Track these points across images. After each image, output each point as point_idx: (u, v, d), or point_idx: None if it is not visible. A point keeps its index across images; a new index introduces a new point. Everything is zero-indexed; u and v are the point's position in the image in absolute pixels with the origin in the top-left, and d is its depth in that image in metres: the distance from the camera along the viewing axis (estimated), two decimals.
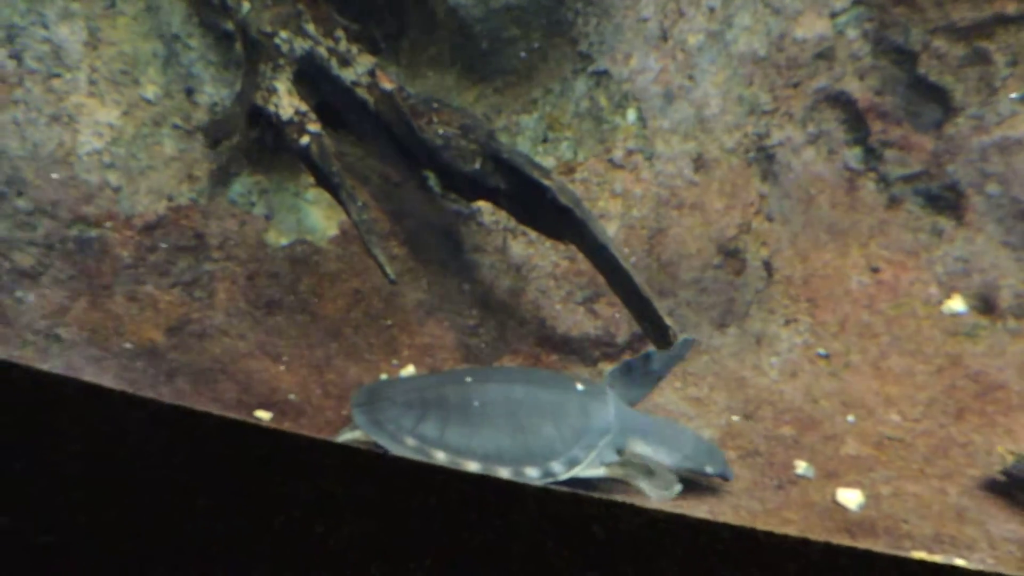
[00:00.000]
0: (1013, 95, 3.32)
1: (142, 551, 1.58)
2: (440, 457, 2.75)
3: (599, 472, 2.81)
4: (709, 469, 2.84)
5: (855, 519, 2.89)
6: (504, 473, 2.74)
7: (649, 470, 2.80)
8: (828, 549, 1.84)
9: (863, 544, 2.83)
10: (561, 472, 2.75)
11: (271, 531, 1.66)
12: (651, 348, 3.06)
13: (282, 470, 1.86)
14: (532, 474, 2.75)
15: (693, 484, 2.90)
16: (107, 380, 3.13)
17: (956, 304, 3.36)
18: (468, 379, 2.88)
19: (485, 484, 1.95)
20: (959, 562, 2.69)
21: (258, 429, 2.01)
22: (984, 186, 3.36)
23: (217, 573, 1.60)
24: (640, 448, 2.85)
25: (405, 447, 2.77)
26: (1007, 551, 2.74)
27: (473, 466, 2.73)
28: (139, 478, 1.77)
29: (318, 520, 1.78)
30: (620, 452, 2.84)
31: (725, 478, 2.87)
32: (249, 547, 1.62)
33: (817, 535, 2.92)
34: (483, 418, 2.77)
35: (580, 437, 2.76)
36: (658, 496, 2.81)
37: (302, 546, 1.63)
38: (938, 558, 2.71)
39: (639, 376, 2.99)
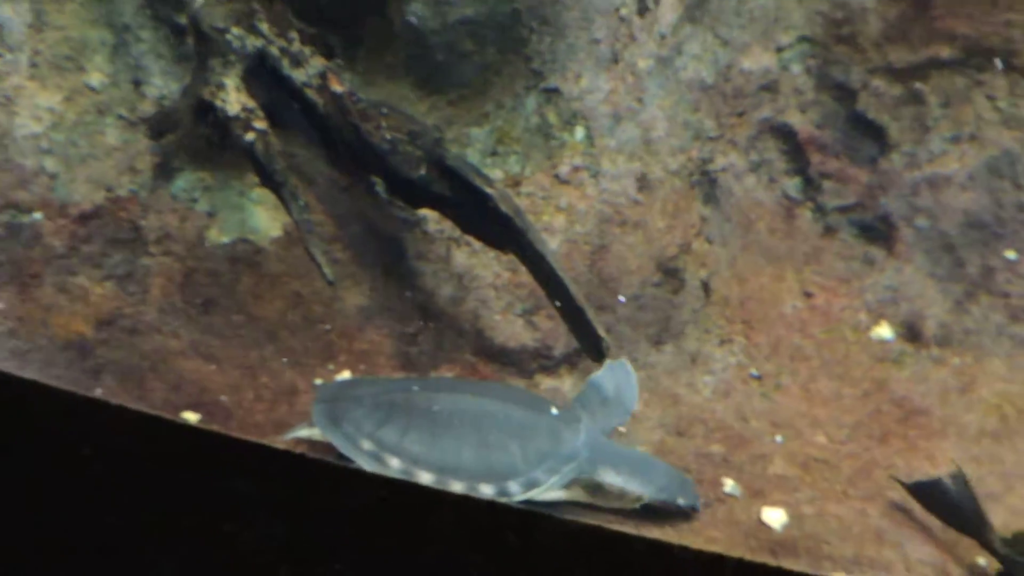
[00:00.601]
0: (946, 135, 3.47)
1: (46, 548, 1.54)
2: (394, 464, 2.67)
3: (558, 495, 2.75)
4: (681, 501, 2.82)
5: (778, 538, 2.94)
6: (457, 487, 2.66)
7: (601, 488, 2.76)
8: (741, 565, 1.87)
9: (785, 564, 2.88)
10: (517, 492, 2.67)
11: (179, 530, 1.63)
12: (595, 376, 3.04)
13: (193, 468, 1.82)
14: (486, 491, 2.67)
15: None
16: (30, 374, 3.05)
17: (884, 331, 3.47)
18: (443, 388, 2.84)
19: (403, 489, 1.94)
20: None
21: (171, 425, 1.98)
22: (914, 219, 3.50)
23: (122, 572, 1.57)
24: (611, 478, 2.78)
25: (359, 451, 2.68)
26: (922, 574, 2.82)
27: (426, 477, 2.67)
28: (41, 471, 1.72)
29: (227, 520, 1.75)
30: (585, 480, 2.79)
31: (695, 509, 2.84)
32: (155, 546, 1.59)
33: (741, 553, 2.97)
34: (448, 429, 2.70)
35: (544, 460, 2.70)
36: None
37: (210, 546, 1.61)
38: None
39: (600, 406, 2.95)
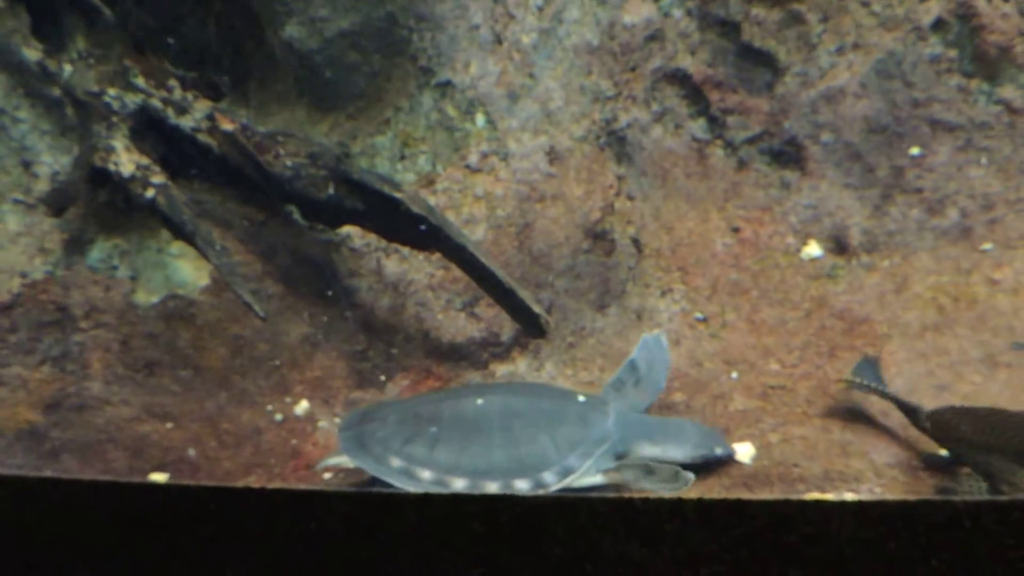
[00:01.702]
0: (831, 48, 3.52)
1: None
2: (426, 476, 2.65)
3: (596, 480, 2.74)
4: (719, 451, 2.84)
5: (750, 472, 2.99)
6: (493, 488, 2.64)
7: (649, 468, 2.75)
8: (700, 504, 1.90)
9: (761, 494, 2.93)
10: (553, 482, 2.66)
11: None
12: (633, 356, 3.07)
13: (159, 523, 1.83)
14: (522, 486, 2.65)
15: None
16: None
17: (813, 249, 3.53)
18: (468, 394, 2.81)
19: (364, 500, 1.95)
20: (848, 496, 2.80)
21: (129, 487, 1.98)
22: (819, 136, 3.54)
23: None
24: (647, 450, 2.80)
25: (389, 468, 2.66)
26: (891, 477, 2.88)
27: (460, 483, 2.64)
28: (9, 561, 1.72)
29: (199, 567, 1.76)
30: (620, 458, 2.79)
31: (731, 456, 2.87)
32: None
33: (716, 494, 3.02)
34: (476, 433, 2.68)
35: (576, 446, 2.69)
36: (670, 490, 2.76)
37: None
38: (830, 496, 2.82)
39: (633, 386, 2.99)
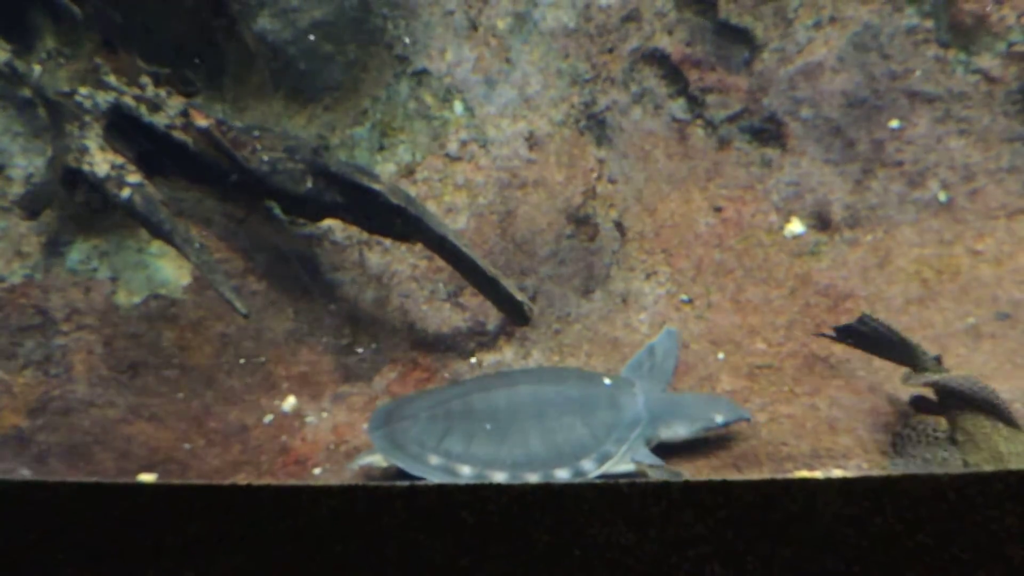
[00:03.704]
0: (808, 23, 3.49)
1: None
2: (465, 472, 2.65)
3: (629, 467, 2.74)
4: (743, 414, 2.85)
5: (739, 452, 2.99)
6: (533, 479, 2.64)
7: (678, 475, 2.75)
8: (686, 487, 1.90)
9: (750, 474, 2.94)
10: (592, 469, 2.67)
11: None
12: (653, 341, 3.09)
13: (147, 522, 1.83)
14: (562, 475, 2.66)
15: None
16: None
17: (795, 226, 3.52)
18: (495, 384, 2.79)
19: (352, 494, 1.95)
20: (836, 473, 2.81)
21: (115, 487, 1.97)
22: (798, 112, 3.53)
23: None
24: (675, 429, 2.81)
25: (428, 466, 2.65)
26: (880, 452, 2.89)
27: (501, 476, 2.64)
28: None
29: (187, 566, 1.76)
30: (650, 441, 2.80)
31: (748, 420, 2.88)
32: None
33: (706, 475, 3.02)
34: (511, 424, 2.68)
35: (611, 431, 2.70)
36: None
37: None
38: (818, 474, 2.83)
39: (650, 368, 3.00)
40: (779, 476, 2.81)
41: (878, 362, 2.99)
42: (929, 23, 3.44)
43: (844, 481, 1.85)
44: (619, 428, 2.71)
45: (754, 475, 2.90)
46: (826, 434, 2.96)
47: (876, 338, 2.81)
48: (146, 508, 1.87)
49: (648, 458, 2.75)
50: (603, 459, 2.68)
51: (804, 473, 2.85)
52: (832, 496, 1.81)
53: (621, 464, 2.72)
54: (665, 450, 2.86)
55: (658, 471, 2.72)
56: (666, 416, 2.82)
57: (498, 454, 2.65)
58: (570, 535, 1.80)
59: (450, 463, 2.66)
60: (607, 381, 2.83)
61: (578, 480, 2.64)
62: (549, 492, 1.89)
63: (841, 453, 2.90)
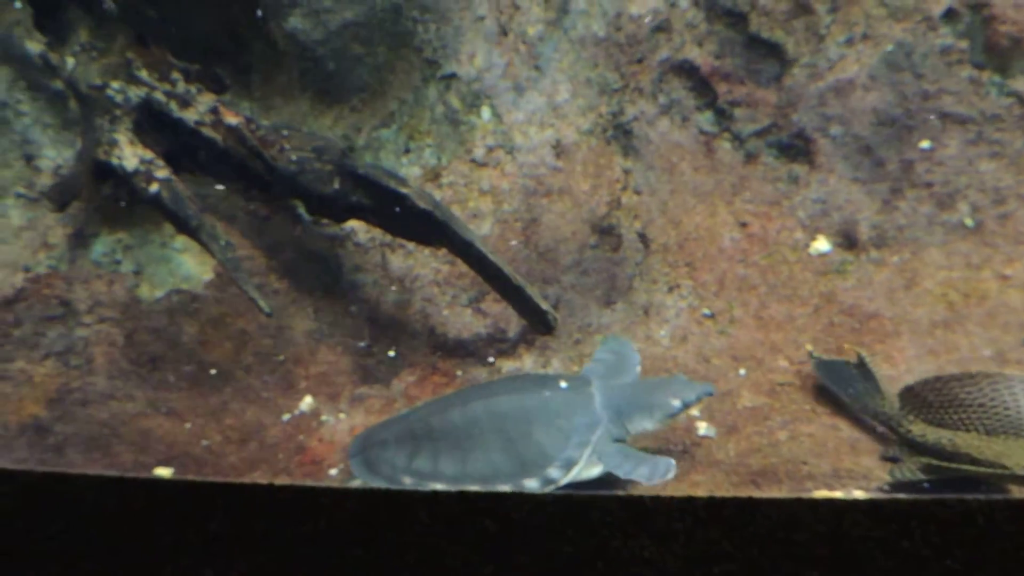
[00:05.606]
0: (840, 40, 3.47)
1: None
2: (438, 489, 2.66)
3: (599, 471, 2.71)
4: (706, 389, 2.82)
5: (758, 469, 2.97)
6: (504, 491, 2.66)
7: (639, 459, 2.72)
8: (711, 503, 1.88)
9: (770, 492, 2.91)
10: (560, 476, 2.66)
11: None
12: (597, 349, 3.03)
13: (166, 519, 1.82)
14: (532, 485, 2.66)
15: None
16: None
17: (821, 244, 3.50)
18: (452, 403, 2.82)
19: (372, 498, 1.94)
20: (857, 494, 2.78)
21: (136, 482, 1.97)
22: (828, 129, 3.51)
23: None
24: (639, 423, 2.77)
25: (403, 487, 2.71)
26: None
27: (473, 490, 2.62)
28: (14, 554, 1.71)
29: (207, 564, 1.75)
30: (621, 438, 2.77)
31: (711, 394, 2.84)
32: None
33: (725, 491, 3.00)
34: (472, 439, 2.70)
35: (571, 436, 2.69)
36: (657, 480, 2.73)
37: None
38: (839, 494, 2.80)
39: (612, 365, 2.96)
40: (804, 495, 2.79)
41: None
42: (964, 44, 3.42)
43: (872, 503, 1.83)
44: (578, 432, 2.70)
45: (774, 493, 2.87)
46: (847, 454, 2.93)
47: (842, 375, 2.83)
48: (167, 503, 1.87)
49: (617, 456, 2.70)
50: (568, 465, 2.68)
51: (824, 493, 2.83)
52: (859, 517, 1.79)
53: (591, 468, 2.70)
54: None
55: (634, 461, 2.64)
56: (628, 411, 2.78)
57: (464, 470, 2.69)
58: (594, 547, 1.79)
59: (422, 482, 2.72)
60: (563, 384, 2.81)
61: (550, 488, 2.66)
62: (573, 503, 1.87)
63: (862, 474, 2.87)
